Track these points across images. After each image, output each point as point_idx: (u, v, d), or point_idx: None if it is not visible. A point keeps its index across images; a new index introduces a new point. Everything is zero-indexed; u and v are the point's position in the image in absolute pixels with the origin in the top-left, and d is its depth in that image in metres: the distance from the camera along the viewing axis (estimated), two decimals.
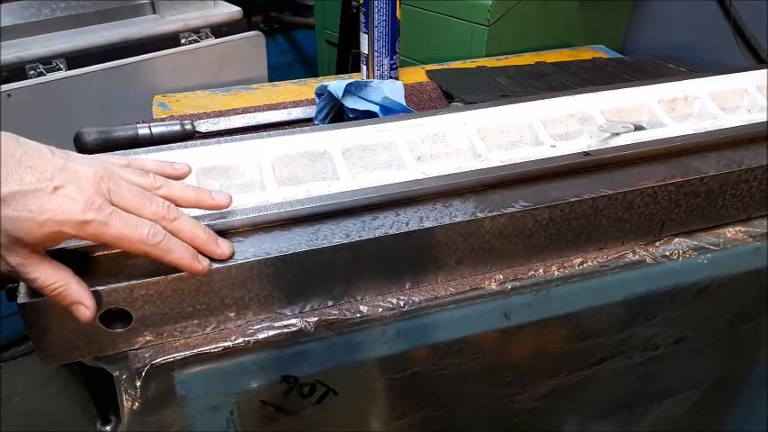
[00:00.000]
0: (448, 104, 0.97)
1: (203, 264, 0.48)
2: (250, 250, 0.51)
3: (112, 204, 0.45)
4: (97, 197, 0.44)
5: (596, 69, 1.08)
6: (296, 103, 0.96)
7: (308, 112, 0.92)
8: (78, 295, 0.45)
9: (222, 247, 0.50)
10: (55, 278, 0.44)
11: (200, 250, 0.49)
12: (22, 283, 0.47)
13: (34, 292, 0.46)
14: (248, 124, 0.89)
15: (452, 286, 0.59)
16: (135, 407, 0.51)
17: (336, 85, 0.84)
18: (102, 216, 0.44)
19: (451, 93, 0.98)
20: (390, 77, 1.03)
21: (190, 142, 0.69)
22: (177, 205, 0.49)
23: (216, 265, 0.49)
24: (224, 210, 0.53)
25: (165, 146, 0.65)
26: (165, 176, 0.51)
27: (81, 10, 1.25)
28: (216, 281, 0.50)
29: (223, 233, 0.52)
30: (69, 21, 1.23)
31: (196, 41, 1.30)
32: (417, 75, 1.09)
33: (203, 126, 0.87)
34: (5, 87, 1.09)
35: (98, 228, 0.43)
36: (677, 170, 0.62)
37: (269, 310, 0.54)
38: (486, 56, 1.16)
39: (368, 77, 1.03)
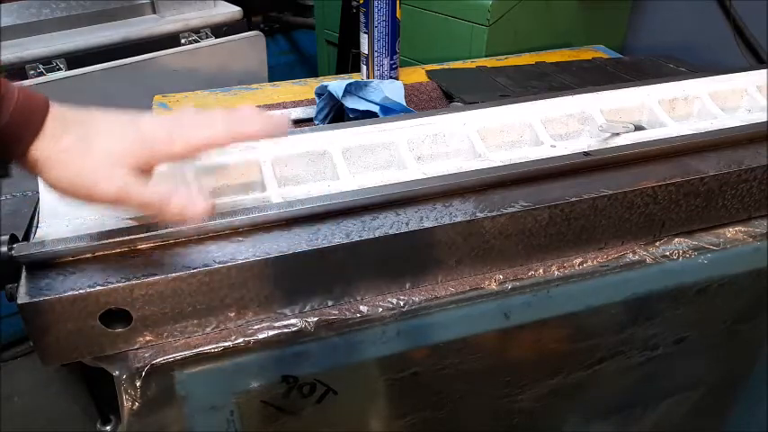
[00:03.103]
0: (448, 104, 0.97)
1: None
2: (250, 250, 0.51)
3: None
4: None
5: (596, 69, 1.08)
6: (296, 103, 0.96)
7: (308, 112, 0.92)
8: (189, 196, 0.47)
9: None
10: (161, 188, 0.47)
11: None
12: (22, 284, 0.47)
13: (34, 292, 0.46)
14: None
15: (452, 286, 0.59)
16: (135, 407, 0.51)
17: (336, 85, 0.84)
18: None
19: (451, 93, 0.98)
20: (390, 77, 1.02)
21: None
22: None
23: (216, 266, 0.49)
24: (222, 210, 0.53)
25: None
26: None
27: (81, 10, 1.25)
28: (216, 281, 0.50)
29: (224, 233, 0.53)
30: (69, 21, 1.23)
31: (196, 41, 1.30)
32: (417, 75, 1.09)
33: None
34: None
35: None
36: (677, 170, 0.62)
37: (269, 310, 0.54)
38: (486, 56, 1.16)
39: (368, 77, 1.03)
